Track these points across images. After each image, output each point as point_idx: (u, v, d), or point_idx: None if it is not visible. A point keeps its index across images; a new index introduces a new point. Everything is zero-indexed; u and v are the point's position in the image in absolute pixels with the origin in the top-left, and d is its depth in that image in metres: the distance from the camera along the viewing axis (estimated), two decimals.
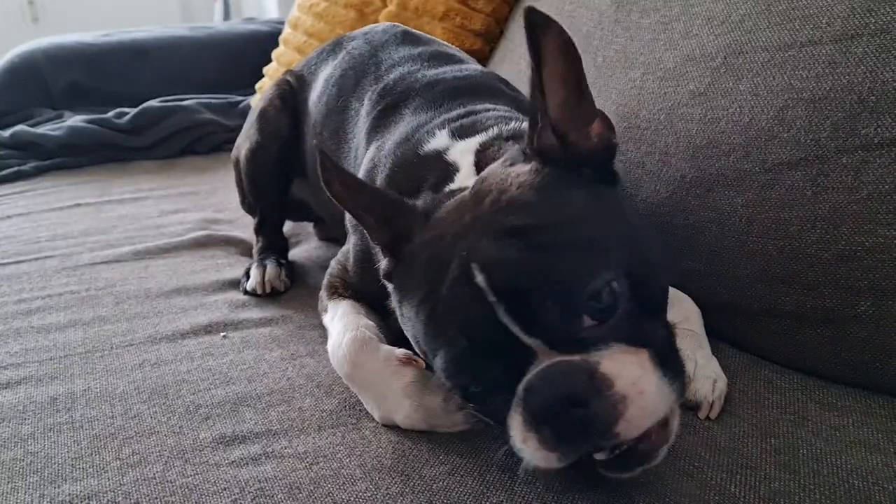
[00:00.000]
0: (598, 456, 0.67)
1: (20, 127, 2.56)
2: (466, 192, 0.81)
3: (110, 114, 2.63)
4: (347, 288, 1.10)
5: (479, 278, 0.68)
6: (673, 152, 1.11)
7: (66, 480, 0.82)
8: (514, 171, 0.78)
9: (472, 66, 1.26)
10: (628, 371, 0.66)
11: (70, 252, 1.58)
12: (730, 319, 1.04)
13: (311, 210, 1.59)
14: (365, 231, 0.93)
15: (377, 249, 0.93)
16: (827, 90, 0.94)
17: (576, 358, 0.66)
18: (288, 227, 1.66)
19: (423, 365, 0.90)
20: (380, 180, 1.03)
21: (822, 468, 0.78)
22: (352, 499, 0.77)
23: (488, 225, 0.72)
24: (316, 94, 1.41)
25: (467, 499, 0.76)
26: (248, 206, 1.59)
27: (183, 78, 3.08)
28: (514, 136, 0.95)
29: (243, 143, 1.54)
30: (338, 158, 1.26)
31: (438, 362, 0.73)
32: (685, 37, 1.16)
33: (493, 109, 1.06)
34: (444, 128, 1.01)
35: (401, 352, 0.92)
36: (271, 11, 4.61)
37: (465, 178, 0.91)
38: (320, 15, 2.23)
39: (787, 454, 0.80)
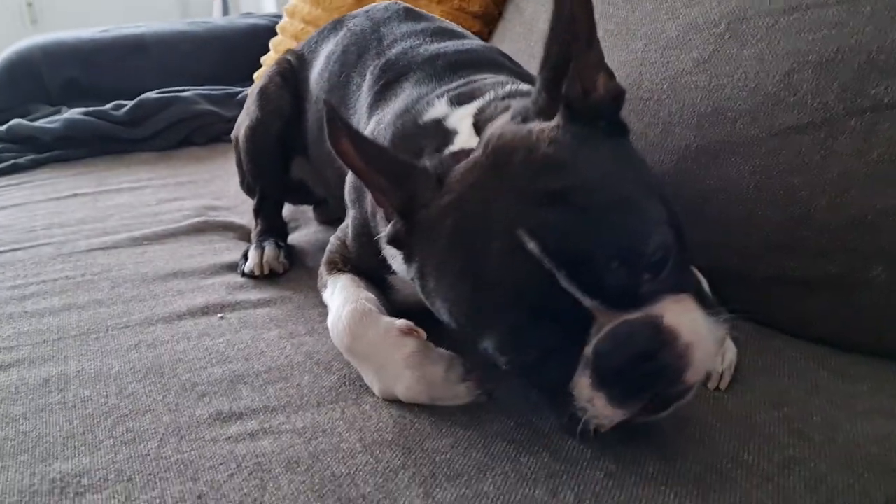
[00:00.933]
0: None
1: (17, 120, 2.55)
2: (478, 153, 0.77)
3: (108, 106, 2.60)
4: (347, 262, 1.07)
5: (532, 245, 0.65)
6: (677, 122, 1.09)
7: (57, 459, 0.80)
8: (535, 127, 0.74)
9: (475, 41, 1.24)
10: (686, 319, 0.67)
11: (66, 239, 1.56)
12: (738, 289, 1.01)
13: (312, 192, 1.56)
14: (369, 198, 0.90)
15: (380, 217, 0.90)
16: (834, 52, 0.92)
17: (639, 314, 0.66)
18: (288, 211, 1.64)
19: (425, 336, 0.88)
20: None
21: (837, 435, 0.75)
22: (351, 472, 0.74)
23: (525, 188, 0.69)
24: (317, 71, 1.39)
25: (471, 470, 0.74)
26: (248, 186, 1.56)
27: (181, 73, 3.05)
28: (510, 96, 0.92)
29: (243, 120, 1.51)
30: None
31: (491, 337, 0.71)
32: (687, 5, 1.13)
33: (492, 78, 1.03)
34: (443, 97, 0.98)
35: (402, 322, 0.89)
36: (269, 7, 4.59)
37: (466, 141, 0.88)
38: (317, 1, 2.21)
39: (800, 422, 0.78)
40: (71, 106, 2.81)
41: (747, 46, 1.01)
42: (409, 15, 1.32)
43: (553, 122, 0.74)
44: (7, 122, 2.61)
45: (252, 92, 1.54)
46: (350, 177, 1.08)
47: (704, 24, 1.09)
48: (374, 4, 1.44)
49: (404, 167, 0.80)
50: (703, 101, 1.05)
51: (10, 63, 2.98)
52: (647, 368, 0.65)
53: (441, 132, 0.92)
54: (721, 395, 0.84)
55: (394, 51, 1.19)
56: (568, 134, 0.72)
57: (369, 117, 1.11)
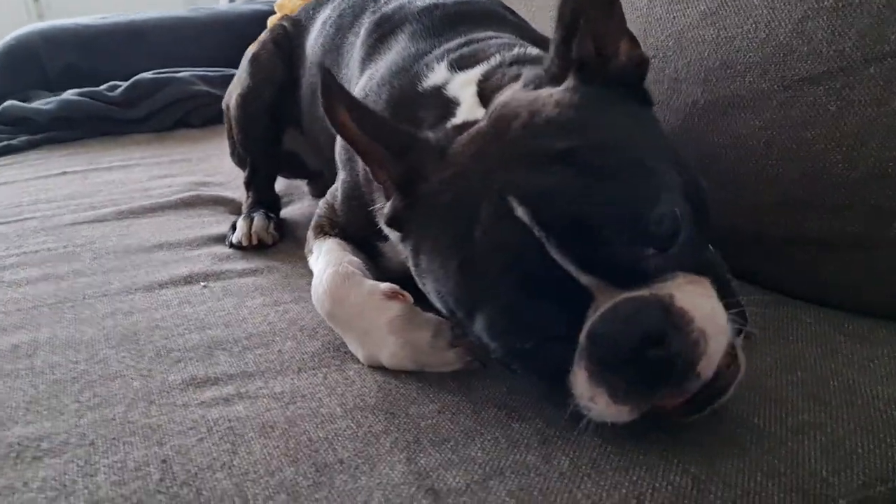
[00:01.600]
0: (667, 401, 0.59)
1: (10, 102, 2.51)
2: (482, 124, 0.71)
3: (103, 87, 2.56)
4: (335, 227, 1.02)
5: (520, 211, 0.59)
6: (683, 77, 1.03)
7: (17, 423, 0.75)
8: (543, 93, 0.69)
9: None
10: (702, 302, 0.58)
11: (52, 214, 1.52)
12: (750, 252, 0.95)
13: (305, 164, 1.51)
14: (364, 167, 0.85)
15: (376, 191, 0.85)
16: None
17: (644, 293, 0.58)
18: (282, 185, 1.59)
19: (411, 300, 0.82)
20: None
21: (855, 399, 0.70)
22: (329, 437, 0.69)
23: (521, 151, 0.63)
24: (313, 37, 1.35)
25: (458, 436, 0.69)
26: (238, 157, 1.51)
27: (182, 58, 2.99)
28: (519, 62, 0.86)
29: (234, 88, 1.47)
30: None
31: (479, 320, 0.63)
32: None
33: (496, 37, 0.98)
34: (442, 60, 0.92)
35: (385, 285, 0.83)
36: None
37: (470, 112, 0.82)
38: None
39: (816, 386, 0.72)
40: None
41: None
42: None
43: (562, 86, 0.69)
44: None
45: (245, 58, 1.49)
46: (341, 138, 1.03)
47: None
48: None
49: (406, 138, 0.73)
50: (710, 55, 0.99)
51: (9, 49, 2.94)
52: (655, 356, 0.56)
53: (442, 102, 0.87)
54: None
55: (391, 6, 1.13)
56: (577, 95, 0.67)
57: (361, 72, 1.06)
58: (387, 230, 0.85)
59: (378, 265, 0.97)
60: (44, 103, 2.49)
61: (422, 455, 0.66)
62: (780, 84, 0.91)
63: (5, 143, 2.32)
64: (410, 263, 0.74)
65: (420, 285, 0.74)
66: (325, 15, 1.34)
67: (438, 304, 0.71)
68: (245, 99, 1.41)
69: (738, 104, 0.95)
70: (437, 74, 0.91)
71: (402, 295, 0.82)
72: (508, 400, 0.74)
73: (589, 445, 0.65)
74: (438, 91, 0.89)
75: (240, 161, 1.51)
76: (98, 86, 2.67)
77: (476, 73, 0.87)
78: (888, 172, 0.81)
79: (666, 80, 1.05)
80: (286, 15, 1.53)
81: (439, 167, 0.70)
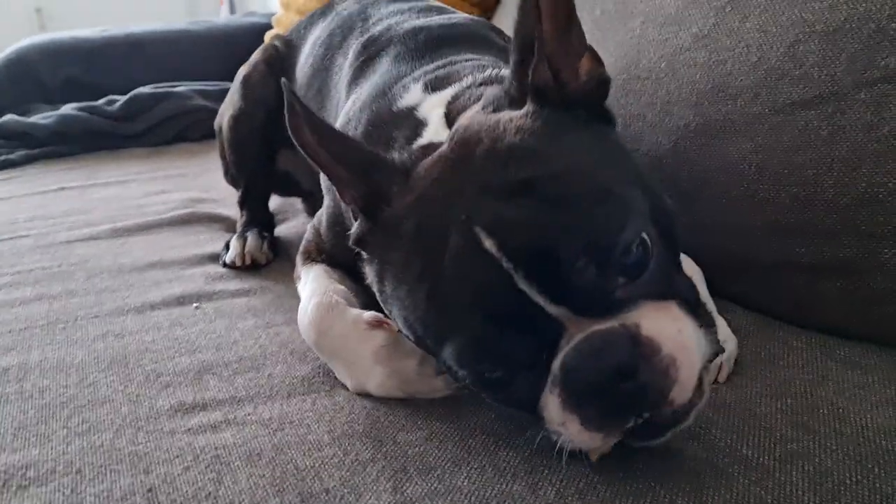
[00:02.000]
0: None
1: (9, 116, 2.51)
2: (444, 148, 0.71)
3: (101, 101, 2.56)
4: (321, 252, 1.02)
5: (488, 244, 0.58)
6: (675, 101, 1.03)
7: (5, 450, 0.75)
8: (503, 116, 0.68)
9: (462, 16, 1.18)
10: (669, 328, 0.58)
11: (47, 231, 1.51)
12: (739, 277, 0.95)
13: (298, 184, 1.51)
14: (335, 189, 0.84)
15: (349, 212, 0.85)
16: (842, 21, 0.86)
17: (613, 324, 0.58)
18: (276, 203, 1.59)
19: (396, 329, 0.80)
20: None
21: (844, 428, 0.70)
22: (316, 465, 0.69)
23: (487, 180, 0.62)
24: (303, 58, 1.35)
25: (446, 464, 0.68)
26: (232, 177, 1.51)
27: (181, 71, 2.99)
28: (488, 83, 0.86)
29: (227, 109, 1.46)
30: (321, 117, 1.18)
31: (448, 350, 0.62)
32: None
33: (475, 59, 0.97)
34: (419, 81, 0.92)
35: (369, 314, 0.83)
36: (275, 7, 4.55)
37: (435, 133, 0.82)
38: None
39: (805, 414, 0.72)
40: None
41: (749, 18, 0.95)
42: None
43: (522, 111, 0.68)
44: None
45: (236, 79, 1.48)
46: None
47: None
48: None
49: (369, 159, 0.72)
50: (702, 78, 0.99)
51: (8, 62, 2.94)
52: (627, 388, 0.56)
53: (412, 123, 0.86)
54: (719, 386, 0.78)
55: (378, 28, 1.13)
56: (538, 121, 0.66)
57: (347, 96, 1.06)
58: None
59: (366, 289, 0.96)
60: (42, 118, 2.49)
61: (408, 484, 0.66)
62: (772, 108, 0.91)
63: (3, 157, 2.32)
64: (375, 288, 0.73)
65: (385, 310, 0.73)
66: (316, 35, 1.34)
67: (405, 331, 0.70)
68: (237, 121, 1.41)
69: (730, 128, 0.95)
70: (412, 95, 0.91)
71: (387, 324, 0.81)
72: (496, 427, 0.74)
73: (576, 476, 0.65)
74: (410, 112, 0.88)
75: (233, 181, 1.51)
76: (97, 98, 2.67)
77: (447, 94, 0.87)
78: (879, 198, 0.81)
79: (658, 103, 1.05)
80: (278, 34, 1.52)
81: (402, 189, 0.69)
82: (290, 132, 0.71)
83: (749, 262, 0.94)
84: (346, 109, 1.01)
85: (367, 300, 0.92)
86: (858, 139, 0.83)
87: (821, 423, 0.70)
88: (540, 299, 0.57)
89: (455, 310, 0.61)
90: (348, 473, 0.67)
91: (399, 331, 0.80)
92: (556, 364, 0.59)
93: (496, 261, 0.58)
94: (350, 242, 0.75)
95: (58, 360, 0.93)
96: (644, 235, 0.59)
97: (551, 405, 0.60)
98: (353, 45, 1.14)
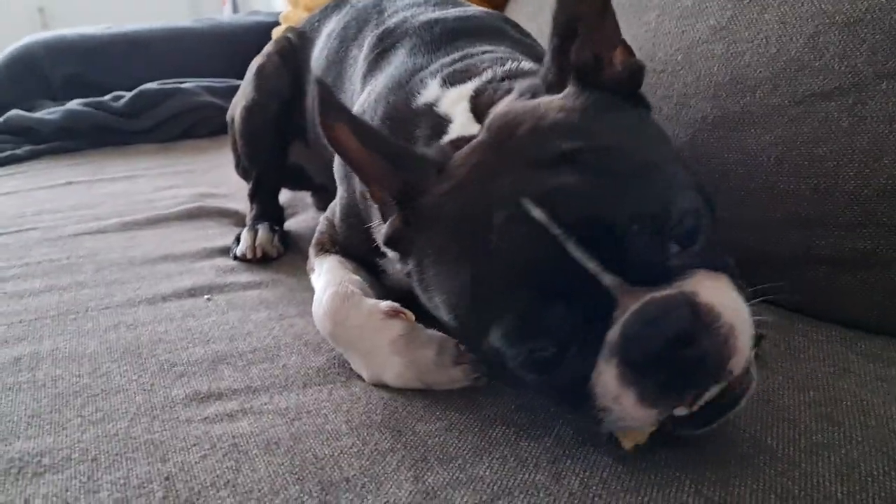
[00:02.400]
0: (679, 411, 0.57)
1: (14, 112, 2.50)
2: (482, 136, 0.70)
3: (107, 97, 2.56)
4: (335, 244, 1.01)
5: (537, 213, 0.57)
6: (693, 93, 1.02)
7: (19, 438, 0.74)
8: (544, 99, 0.68)
9: (477, 8, 1.17)
10: (726, 297, 0.57)
11: (55, 224, 1.51)
12: (760, 269, 0.93)
13: (310, 178, 1.50)
14: (361, 185, 0.84)
15: (373, 209, 0.84)
16: (863, 11, 0.85)
17: (671, 291, 0.56)
18: (286, 197, 1.58)
19: (413, 318, 0.80)
20: None
21: (868, 420, 0.69)
22: (335, 454, 0.68)
23: (532, 154, 0.61)
24: (318, 50, 1.34)
25: (466, 454, 0.67)
26: (243, 169, 1.49)
27: (185, 69, 2.98)
28: (511, 77, 0.85)
29: (239, 100, 1.45)
30: None
31: (497, 330, 0.61)
32: None
33: (491, 52, 0.96)
34: (436, 75, 0.91)
35: (386, 304, 0.82)
36: (278, 5, 4.55)
37: (463, 128, 0.81)
38: None
39: (828, 406, 0.71)
40: None
41: (768, 9, 0.95)
42: None
43: (563, 93, 0.68)
44: None
45: (249, 70, 1.47)
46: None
47: None
48: None
49: (403, 153, 0.72)
50: (720, 70, 0.99)
51: (13, 59, 2.94)
52: (686, 355, 0.54)
53: (433, 120, 0.85)
54: None
55: (393, 20, 1.12)
56: (580, 99, 0.66)
57: (363, 87, 1.05)
58: (385, 249, 0.82)
59: (381, 281, 0.96)
60: (48, 113, 2.49)
61: (429, 473, 0.65)
62: (792, 99, 0.90)
63: (9, 152, 2.32)
64: (414, 281, 0.72)
65: (425, 301, 0.72)
66: (330, 28, 1.33)
67: (448, 319, 0.69)
68: (250, 112, 1.40)
69: (749, 120, 0.94)
70: (430, 91, 0.90)
71: (404, 313, 0.81)
72: (517, 417, 0.73)
73: (600, 465, 0.64)
74: (430, 109, 0.87)
75: (244, 173, 1.50)
76: (102, 96, 2.67)
77: (468, 88, 0.86)
78: None
79: (675, 96, 1.04)
80: (291, 27, 1.51)
81: (439, 180, 0.68)
82: (320, 126, 0.69)
83: (769, 255, 0.93)
84: (360, 101, 1.00)
85: (381, 291, 0.92)
86: (880, 130, 0.82)
87: (845, 416, 0.69)
88: (593, 268, 0.56)
89: (503, 286, 0.60)
90: (368, 462, 0.67)
91: (416, 320, 0.80)
92: (614, 333, 0.57)
93: (547, 231, 0.57)
94: (384, 242, 0.74)
95: (70, 350, 0.93)
96: (696, 205, 0.59)
97: (607, 378, 0.57)
98: (369, 38, 1.13)
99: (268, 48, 1.46)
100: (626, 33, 1.17)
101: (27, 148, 2.36)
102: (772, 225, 0.92)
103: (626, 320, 0.56)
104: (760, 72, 0.94)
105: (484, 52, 0.96)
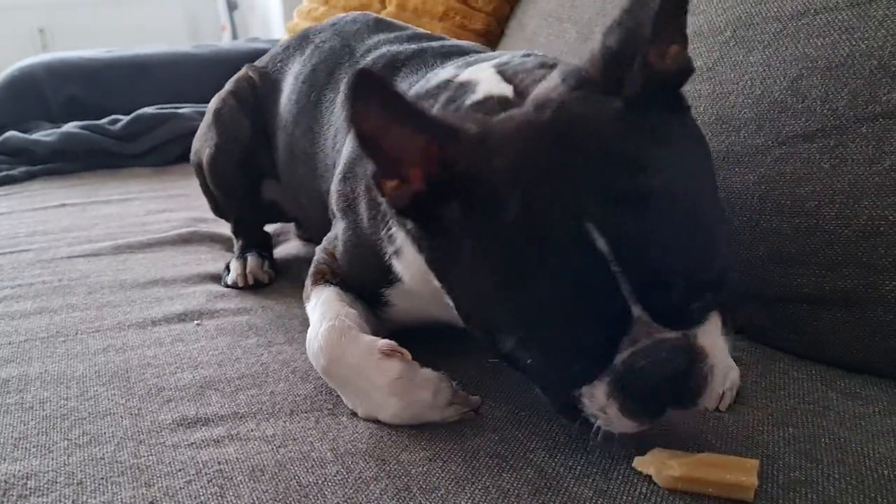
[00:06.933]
0: None
1: (11, 133, 2.51)
2: (531, 113, 0.67)
3: (104, 120, 2.57)
4: (336, 275, 0.98)
5: (601, 243, 0.59)
6: None
7: (5, 460, 0.74)
8: (602, 106, 0.65)
9: (456, 40, 1.18)
10: (717, 341, 0.66)
11: (48, 246, 1.51)
12: (741, 306, 0.96)
13: (284, 212, 1.47)
14: (365, 203, 0.88)
15: (382, 231, 0.86)
16: (844, 57, 0.88)
17: (677, 335, 0.63)
18: (272, 226, 1.58)
19: (409, 357, 0.80)
20: None
21: (846, 457, 0.70)
22: (319, 482, 0.69)
23: (600, 181, 0.61)
24: (286, 95, 1.30)
25: (449, 484, 0.68)
26: (221, 212, 1.49)
27: (184, 94, 3.00)
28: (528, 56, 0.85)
29: (203, 147, 1.41)
30: (311, 157, 1.16)
31: (529, 331, 0.64)
32: (692, 13, 1.06)
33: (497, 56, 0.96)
34: (446, 66, 0.92)
35: (383, 343, 0.81)
36: (277, 33, 4.59)
37: (492, 88, 0.78)
38: (319, 20, 2.19)
39: (807, 443, 0.72)
40: None
41: (753, 52, 0.97)
42: (380, 25, 1.24)
43: (619, 103, 0.64)
44: None
45: (208, 111, 1.44)
46: (337, 185, 0.99)
47: (709, 32, 1.05)
48: (341, 16, 1.34)
49: (438, 123, 0.67)
50: (706, 109, 1.01)
51: (12, 80, 2.95)
52: (672, 387, 0.64)
53: (451, 89, 0.83)
54: (721, 415, 0.78)
55: (369, 58, 1.12)
56: (641, 120, 0.64)
57: (349, 130, 1.04)
58: (397, 217, 0.77)
59: (382, 314, 0.95)
60: (45, 135, 2.50)
61: (411, 503, 0.65)
62: (775, 140, 0.92)
63: (4, 173, 2.32)
64: (438, 254, 0.71)
65: (439, 279, 0.73)
66: (296, 69, 1.30)
67: (468, 308, 0.72)
68: (215, 159, 1.38)
69: (733, 158, 0.96)
70: (445, 72, 0.89)
71: (401, 352, 0.80)
72: (500, 449, 0.74)
73: (580, 497, 0.65)
74: (448, 82, 0.85)
75: (222, 216, 1.49)
76: (100, 119, 2.69)
77: (488, 63, 0.85)
78: (880, 230, 0.82)
79: None
80: (252, 65, 1.46)
81: (481, 154, 0.65)
82: (350, 121, 0.63)
83: (750, 292, 0.95)
84: (352, 145, 0.99)
85: (382, 328, 0.92)
86: (860, 172, 0.84)
87: (823, 453, 0.70)
88: (633, 302, 0.60)
89: (550, 296, 0.62)
90: (352, 491, 0.67)
91: (413, 359, 0.80)
92: (620, 360, 0.62)
93: (604, 259, 0.59)
94: (402, 205, 0.69)
95: (58, 373, 0.93)
96: (729, 261, 0.65)
97: (599, 391, 0.64)
98: (344, 79, 1.12)
99: (226, 88, 1.43)
100: None
101: (22, 169, 2.37)
102: (754, 262, 0.94)
103: (635, 353, 0.62)
104: (745, 112, 0.96)
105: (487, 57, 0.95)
